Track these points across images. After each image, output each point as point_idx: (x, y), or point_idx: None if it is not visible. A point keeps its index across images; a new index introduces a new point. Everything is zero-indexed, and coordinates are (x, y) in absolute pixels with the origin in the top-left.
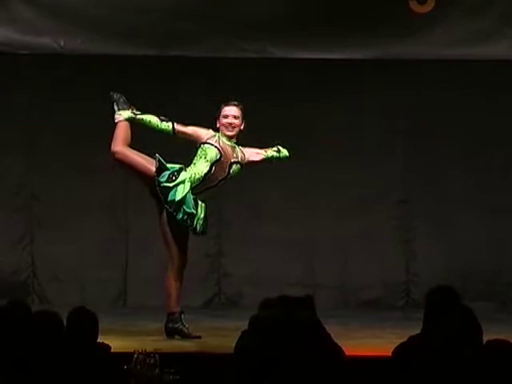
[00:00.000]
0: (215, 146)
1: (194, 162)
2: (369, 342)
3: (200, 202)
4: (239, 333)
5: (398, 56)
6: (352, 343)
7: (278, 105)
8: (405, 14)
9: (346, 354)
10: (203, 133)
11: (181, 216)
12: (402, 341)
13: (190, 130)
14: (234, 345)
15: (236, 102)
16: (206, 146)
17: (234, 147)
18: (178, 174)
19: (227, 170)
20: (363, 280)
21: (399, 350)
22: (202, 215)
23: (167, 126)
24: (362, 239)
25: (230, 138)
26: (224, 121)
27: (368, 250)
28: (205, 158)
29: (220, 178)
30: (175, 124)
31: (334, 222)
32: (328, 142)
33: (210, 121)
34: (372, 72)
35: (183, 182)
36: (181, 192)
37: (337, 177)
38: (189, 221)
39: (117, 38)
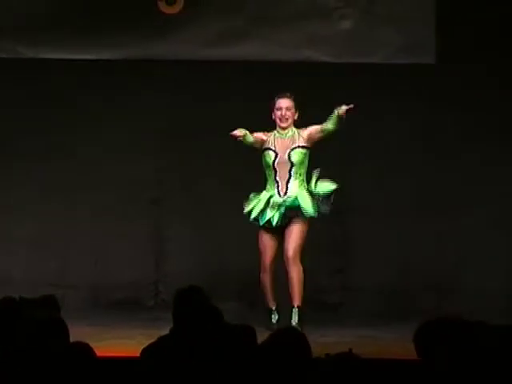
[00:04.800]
0: (269, 148)
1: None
2: (118, 343)
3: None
4: None
5: (152, 56)
6: (102, 344)
7: None
8: (155, 14)
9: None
10: (263, 137)
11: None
12: (151, 341)
13: (256, 136)
14: None
15: (288, 94)
16: (264, 152)
17: (292, 135)
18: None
19: (289, 160)
20: (114, 280)
21: (147, 350)
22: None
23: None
24: (117, 238)
25: (284, 129)
26: (278, 113)
27: (119, 249)
28: (266, 164)
29: (289, 169)
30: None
31: (90, 221)
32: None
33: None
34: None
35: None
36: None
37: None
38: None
39: None
